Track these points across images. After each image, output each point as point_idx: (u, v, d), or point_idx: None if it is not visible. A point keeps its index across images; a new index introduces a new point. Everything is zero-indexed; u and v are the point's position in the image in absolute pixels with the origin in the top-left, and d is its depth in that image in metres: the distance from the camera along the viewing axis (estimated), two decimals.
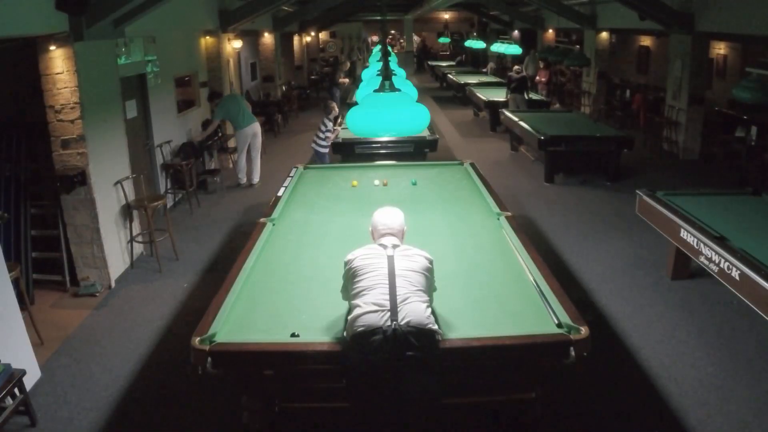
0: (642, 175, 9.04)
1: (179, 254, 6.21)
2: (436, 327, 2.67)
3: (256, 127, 8.84)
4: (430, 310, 2.71)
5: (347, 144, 8.01)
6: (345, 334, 2.77)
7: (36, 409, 3.68)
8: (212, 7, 9.33)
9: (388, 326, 2.57)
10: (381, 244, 2.90)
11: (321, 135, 7.98)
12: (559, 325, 2.90)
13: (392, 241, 2.94)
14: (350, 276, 2.82)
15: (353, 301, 2.75)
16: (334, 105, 8.29)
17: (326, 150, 8.01)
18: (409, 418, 2.64)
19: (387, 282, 2.70)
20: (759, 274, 3.63)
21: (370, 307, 2.64)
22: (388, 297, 2.65)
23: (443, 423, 2.85)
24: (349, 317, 2.74)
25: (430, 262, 2.87)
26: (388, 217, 3.06)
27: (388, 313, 2.60)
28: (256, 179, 8.99)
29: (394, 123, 3.15)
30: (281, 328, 2.99)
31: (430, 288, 2.84)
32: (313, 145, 8.05)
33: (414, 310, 2.63)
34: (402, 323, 2.58)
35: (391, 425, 2.68)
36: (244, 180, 9.00)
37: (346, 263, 2.87)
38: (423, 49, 30.68)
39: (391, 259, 2.79)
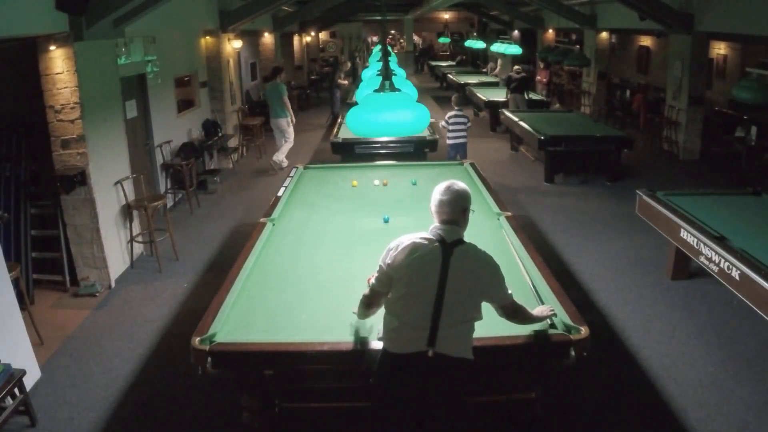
0: (642, 175, 9.04)
1: (179, 254, 6.21)
2: (471, 357, 2.49)
3: (278, 122, 9.63)
4: (472, 334, 2.51)
5: (347, 144, 8.02)
6: (378, 337, 2.63)
7: (36, 409, 3.68)
8: (212, 7, 9.32)
9: (423, 351, 2.38)
10: (437, 236, 2.50)
11: (450, 128, 8.29)
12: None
13: (451, 233, 2.51)
14: (388, 275, 2.52)
15: (389, 310, 2.53)
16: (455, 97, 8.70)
17: (462, 141, 8.29)
18: (428, 416, 2.54)
19: (433, 295, 2.40)
20: (759, 274, 3.63)
21: (406, 330, 2.43)
22: (430, 315, 2.40)
23: (443, 423, 2.84)
24: (384, 324, 2.56)
25: (495, 269, 2.53)
26: (446, 196, 2.54)
27: (426, 335, 2.39)
28: (275, 158, 9.62)
29: (394, 123, 3.15)
30: (281, 328, 2.99)
31: (497, 297, 2.57)
32: (449, 141, 8.29)
33: (456, 339, 2.44)
34: (438, 350, 2.39)
35: (406, 424, 2.57)
36: (282, 162, 9.62)
37: (386, 254, 2.52)
38: (426, 49, 30.46)
39: (445, 261, 2.43)
